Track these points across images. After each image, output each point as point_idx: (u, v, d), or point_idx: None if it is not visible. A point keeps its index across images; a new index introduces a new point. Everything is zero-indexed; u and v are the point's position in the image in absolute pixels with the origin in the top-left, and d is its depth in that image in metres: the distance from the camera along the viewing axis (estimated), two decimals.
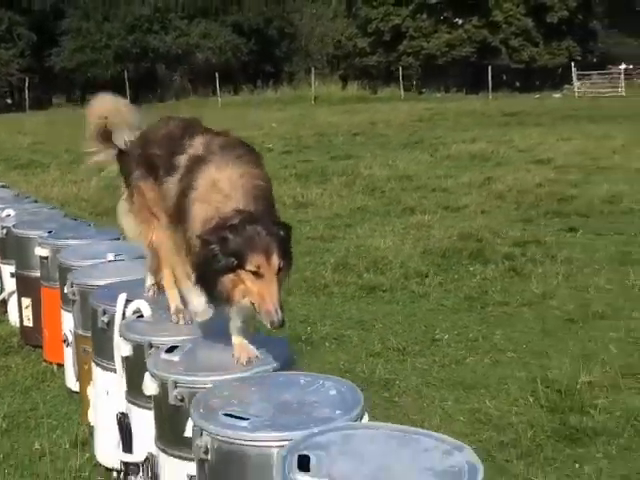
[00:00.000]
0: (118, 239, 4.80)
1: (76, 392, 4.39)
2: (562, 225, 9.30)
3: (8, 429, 4.23)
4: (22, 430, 4.22)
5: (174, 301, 3.27)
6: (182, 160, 2.92)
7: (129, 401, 3.18)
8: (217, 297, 2.67)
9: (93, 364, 3.66)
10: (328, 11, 54.34)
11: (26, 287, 5.24)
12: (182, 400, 2.52)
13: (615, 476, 3.67)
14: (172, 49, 47.19)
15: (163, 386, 2.60)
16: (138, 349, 3.05)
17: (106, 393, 3.54)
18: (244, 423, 2.20)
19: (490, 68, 45.11)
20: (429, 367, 5.01)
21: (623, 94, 42.70)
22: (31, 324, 5.26)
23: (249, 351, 2.76)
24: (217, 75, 43.09)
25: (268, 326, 2.56)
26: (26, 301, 5.22)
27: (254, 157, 2.92)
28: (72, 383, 4.45)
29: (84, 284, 3.89)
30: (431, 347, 5.38)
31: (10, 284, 5.68)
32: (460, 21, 47.97)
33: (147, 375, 2.69)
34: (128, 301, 3.40)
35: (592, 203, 10.54)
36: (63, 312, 4.43)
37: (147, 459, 2.97)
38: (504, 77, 50.37)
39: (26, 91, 41.29)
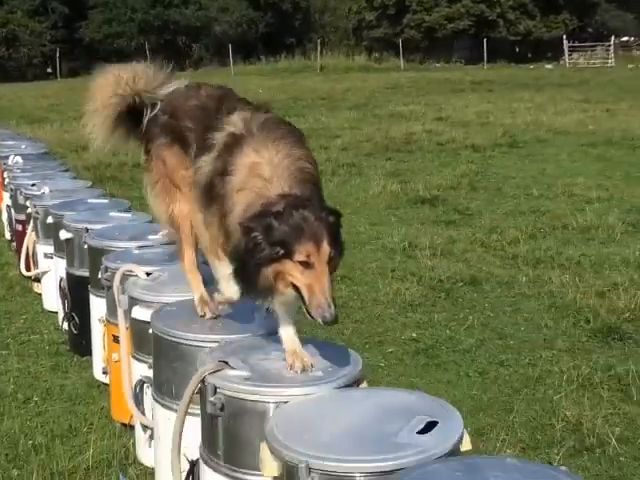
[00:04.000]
0: (47, 153, 8.94)
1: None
2: (380, 155, 13.28)
3: None
4: None
5: (198, 290, 3.08)
6: (219, 137, 2.70)
7: None
8: (258, 290, 2.42)
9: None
10: None
11: None
12: None
13: None
14: (191, 22, 51.16)
15: None
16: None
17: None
18: None
19: (486, 40, 48.51)
20: None
21: (612, 65, 45.81)
22: None
23: (304, 358, 2.51)
24: (230, 46, 47.02)
25: (319, 320, 2.30)
26: None
27: (297, 137, 2.67)
28: None
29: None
30: None
31: None
32: None
33: None
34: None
35: (419, 140, 14.55)
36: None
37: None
38: (514, 48, 53.57)
39: (57, 60, 45.77)
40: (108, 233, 4.41)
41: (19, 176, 6.77)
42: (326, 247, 2.33)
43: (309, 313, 2.33)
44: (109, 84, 3.18)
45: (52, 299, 5.56)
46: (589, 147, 13.63)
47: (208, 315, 3.00)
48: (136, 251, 4.02)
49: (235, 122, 2.70)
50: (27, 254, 5.87)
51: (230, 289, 2.75)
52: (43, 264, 5.62)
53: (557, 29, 53.20)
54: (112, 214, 4.96)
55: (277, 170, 2.49)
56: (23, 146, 8.57)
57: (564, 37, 49.56)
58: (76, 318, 4.73)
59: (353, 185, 10.81)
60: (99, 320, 4.17)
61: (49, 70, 49.91)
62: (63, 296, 4.93)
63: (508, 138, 15.00)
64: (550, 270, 6.43)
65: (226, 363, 2.53)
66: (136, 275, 3.56)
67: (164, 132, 3.04)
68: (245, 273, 2.43)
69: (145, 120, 3.13)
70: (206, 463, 2.56)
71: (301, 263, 2.32)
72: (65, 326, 5.03)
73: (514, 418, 4.02)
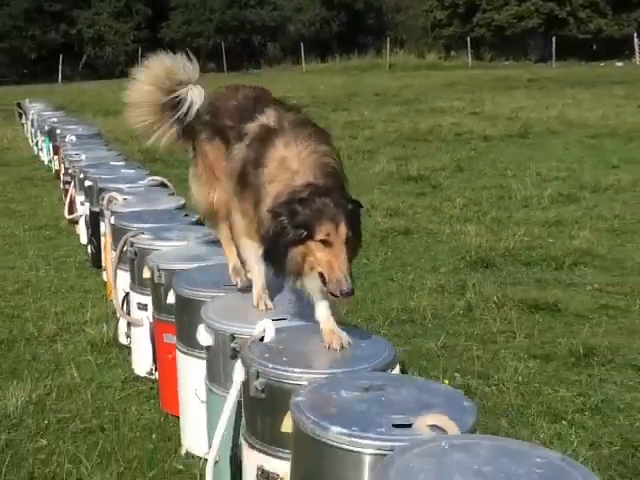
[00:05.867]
0: (98, 134, 11.09)
1: None
2: (399, 144, 15.04)
3: None
4: None
5: (232, 260, 3.46)
6: (251, 127, 3.03)
7: None
8: (287, 270, 2.70)
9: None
10: None
11: None
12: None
13: None
14: (266, 22, 53.60)
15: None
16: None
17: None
18: None
19: (558, 38, 49.40)
20: None
21: None
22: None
23: (341, 336, 2.76)
24: (302, 45, 49.24)
25: (337, 294, 2.60)
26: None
27: (323, 136, 2.96)
28: None
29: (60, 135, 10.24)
30: None
31: None
32: None
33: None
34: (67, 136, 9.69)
35: (441, 132, 16.21)
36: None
37: None
38: (590, 46, 54.09)
39: (139, 59, 48.85)
40: (113, 180, 6.46)
41: (69, 149, 8.94)
42: (344, 228, 2.62)
43: (328, 288, 2.65)
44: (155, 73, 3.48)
45: (85, 236, 7.65)
46: (590, 138, 15.03)
47: (239, 284, 3.41)
48: (126, 189, 6.04)
49: (268, 115, 3.02)
50: (70, 202, 8.00)
51: (257, 267, 3.14)
52: (80, 210, 7.72)
53: (630, 27, 53.44)
54: (123, 170, 7.03)
55: (304, 163, 2.78)
56: (80, 129, 10.80)
57: (635, 35, 49.91)
58: (94, 241, 6.79)
59: (360, 167, 12.62)
60: (102, 235, 6.21)
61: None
62: (87, 227, 7.01)
63: (523, 130, 16.47)
64: (471, 225, 8.17)
65: (142, 233, 4.51)
66: (117, 200, 5.58)
67: (206, 129, 3.38)
68: (275, 255, 2.72)
69: (180, 114, 3.43)
70: (132, 289, 4.56)
71: (322, 242, 2.62)
72: (89, 249, 7.11)
73: (374, 306, 5.86)
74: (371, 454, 2.10)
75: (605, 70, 40.27)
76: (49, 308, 5.99)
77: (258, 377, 2.62)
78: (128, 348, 4.92)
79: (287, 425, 2.38)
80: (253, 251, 3.08)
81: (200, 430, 3.46)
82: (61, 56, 45.91)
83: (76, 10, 50.64)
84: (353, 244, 2.70)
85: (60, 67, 45.61)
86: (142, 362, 4.55)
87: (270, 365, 2.61)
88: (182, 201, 5.56)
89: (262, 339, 2.84)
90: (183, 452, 3.77)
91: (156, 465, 3.68)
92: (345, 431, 2.14)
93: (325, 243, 2.62)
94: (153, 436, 3.99)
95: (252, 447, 2.71)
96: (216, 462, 3.11)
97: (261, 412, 2.64)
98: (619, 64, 47.36)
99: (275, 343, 2.81)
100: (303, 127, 2.94)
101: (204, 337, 3.13)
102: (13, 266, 7.29)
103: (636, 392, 4.30)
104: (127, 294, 4.70)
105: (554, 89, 28.29)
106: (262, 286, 3.19)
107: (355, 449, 2.12)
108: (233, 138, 3.18)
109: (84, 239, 7.71)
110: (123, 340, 4.99)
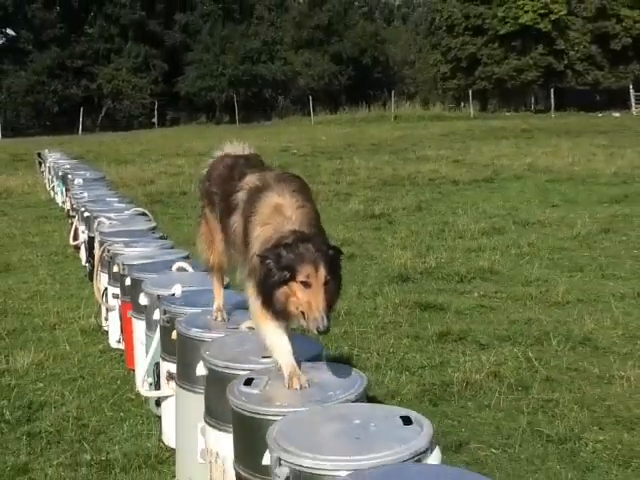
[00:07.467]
0: (103, 178, 13.01)
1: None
2: (375, 188, 16.76)
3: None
4: None
5: (218, 301, 4.01)
6: (240, 196, 3.37)
7: None
8: (275, 309, 2.98)
9: None
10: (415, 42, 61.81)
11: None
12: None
13: None
14: (277, 76, 56.18)
15: None
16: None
17: None
18: None
19: (557, 90, 51.53)
20: None
21: None
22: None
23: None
24: (310, 98, 51.61)
25: (314, 331, 2.89)
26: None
27: (307, 191, 3.28)
28: None
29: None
30: None
31: None
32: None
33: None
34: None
35: (417, 177, 17.93)
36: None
37: None
38: (593, 97, 56.21)
39: (155, 112, 51.40)
40: (105, 210, 8.24)
41: (76, 189, 10.77)
42: (323, 271, 2.88)
43: (307, 325, 2.91)
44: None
45: (84, 257, 9.40)
46: (548, 182, 16.69)
47: (219, 319, 3.97)
48: (113, 216, 7.81)
49: (251, 181, 3.36)
50: (74, 231, 9.78)
51: (280, 344, 3.13)
52: (81, 237, 9.49)
53: (626, 79, 55.55)
54: (115, 204, 8.83)
55: (295, 213, 3.09)
56: (87, 174, 12.67)
57: (630, 86, 51.98)
58: (91, 260, 8.52)
59: (334, 207, 14.36)
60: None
61: (153, 120, 55.56)
62: (85, 249, 8.78)
63: (492, 175, 18.14)
64: (404, 252, 9.83)
65: (116, 243, 6.26)
66: (105, 223, 7.35)
67: (206, 197, 3.88)
68: (263, 296, 3.01)
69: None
70: (109, 284, 6.30)
71: (302, 283, 2.88)
72: (87, 267, 8.85)
73: None
74: (211, 341, 3.77)
75: (601, 120, 41.97)
76: (52, 308, 7.72)
77: (165, 313, 4.33)
78: (107, 331, 6.62)
79: (174, 335, 4.06)
80: (271, 330, 3.13)
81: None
82: (82, 109, 48.49)
83: (96, 66, 53.57)
84: (332, 287, 2.96)
85: (80, 119, 48.14)
86: (114, 335, 6.25)
87: (172, 306, 4.33)
88: (153, 224, 7.32)
89: (174, 295, 4.54)
90: (136, 389, 5.44)
91: (116, 395, 5.36)
92: (199, 330, 3.84)
93: (305, 284, 2.89)
94: (118, 382, 5.70)
95: (164, 359, 4.41)
96: (150, 384, 4.81)
97: (167, 335, 4.32)
98: (616, 114, 49.24)
99: (181, 297, 4.51)
100: (288, 182, 3.27)
101: (143, 299, 4.84)
102: (27, 281, 9.09)
103: (469, 357, 5.93)
104: (106, 289, 6.43)
105: (542, 138, 29.91)
106: (292, 364, 3.09)
107: (204, 339, 3.80)
108: (218, 203, 3.66)
109: (84, 260, 9.46)
110: (103, 323, 6.71)
